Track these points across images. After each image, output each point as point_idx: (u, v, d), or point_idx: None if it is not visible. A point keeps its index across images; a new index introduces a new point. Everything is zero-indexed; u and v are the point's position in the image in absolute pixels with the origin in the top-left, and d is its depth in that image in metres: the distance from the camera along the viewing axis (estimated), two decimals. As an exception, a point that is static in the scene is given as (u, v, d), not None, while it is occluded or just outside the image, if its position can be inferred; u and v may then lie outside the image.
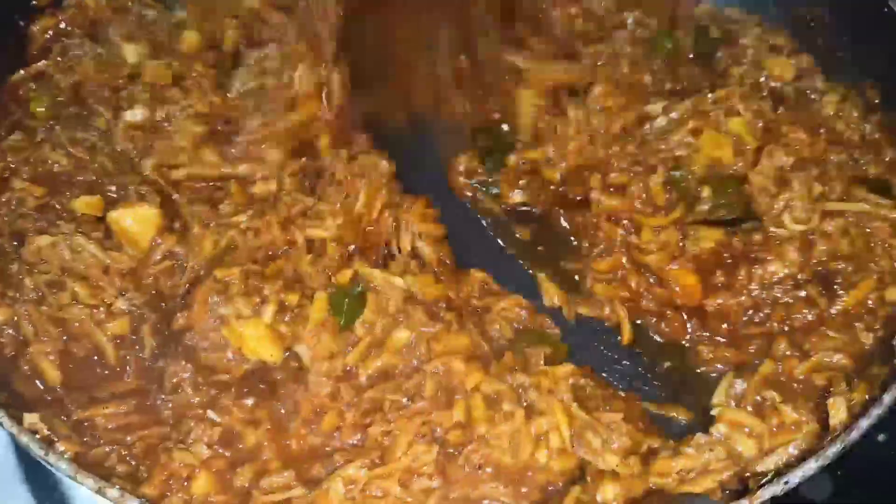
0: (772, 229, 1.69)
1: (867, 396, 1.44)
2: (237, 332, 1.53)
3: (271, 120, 1.82)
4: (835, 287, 1.63)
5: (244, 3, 1.95)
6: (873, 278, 1.63)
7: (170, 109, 1.79)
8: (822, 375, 1.53)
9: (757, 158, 1.75)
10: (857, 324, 1.61)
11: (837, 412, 1.41)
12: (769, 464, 1.43)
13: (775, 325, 1.64)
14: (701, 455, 1.45)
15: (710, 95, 1.82)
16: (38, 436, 1.36)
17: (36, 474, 1.76)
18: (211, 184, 1.75)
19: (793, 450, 1.43)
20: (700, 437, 1.48)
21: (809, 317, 1.62)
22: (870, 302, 1.62)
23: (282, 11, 1.95)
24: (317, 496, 1.40)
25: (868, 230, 1.68)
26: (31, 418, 1.38)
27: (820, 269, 1.66)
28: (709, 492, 1.42)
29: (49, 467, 1.34)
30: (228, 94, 1.85)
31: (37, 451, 1.33)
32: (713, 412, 1.52)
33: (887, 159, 1.80)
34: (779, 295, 1.66)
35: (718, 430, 1.48)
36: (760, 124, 1.79)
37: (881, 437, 1.70)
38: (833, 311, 1.62)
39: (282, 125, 1.82)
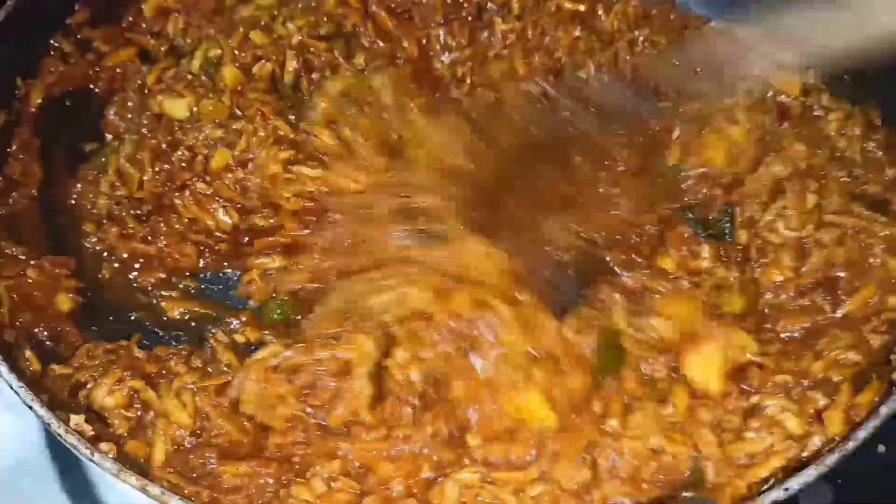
0: (765, 235, 1.76)
1: (877, 399, 1.49)
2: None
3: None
4: (838, 293, 1.69)
5: (292, 38, 2.00)
6: (873, 285, 1.68)
7: (248, 140, 1.84)
8: (839, 372, 1.58)
9: (755, 167, 1.83)
10: (863, 326, 1.66)
11: (832, 424, 1.48)
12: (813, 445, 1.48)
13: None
14: (763, 438, 1.50)
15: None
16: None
17: (71, 476, 1.84)
18: None
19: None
20: (753, 421, 1.52)
21: (819, 320, 1.68)
22: (872, 302, 1.67)
23: (324, 41, 2.01)
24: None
25: (864, 245, 1.73)
26: (76, 419, 1.46)
27: (820, 276, 1.72)
28: (774, 472, 1.46)
29: (95, 466, 1.41)
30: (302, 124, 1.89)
31: (83, 451, 1.40)
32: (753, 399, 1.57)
33: (888, 178, 1.85)
34: (783, 300, 1.71)
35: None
36: (759, 135, 1.87)
37: (881, 449, 1.75)
38: (838, 314, 1.68)
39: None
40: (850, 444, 1.41)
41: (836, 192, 1.79)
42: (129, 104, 1.96)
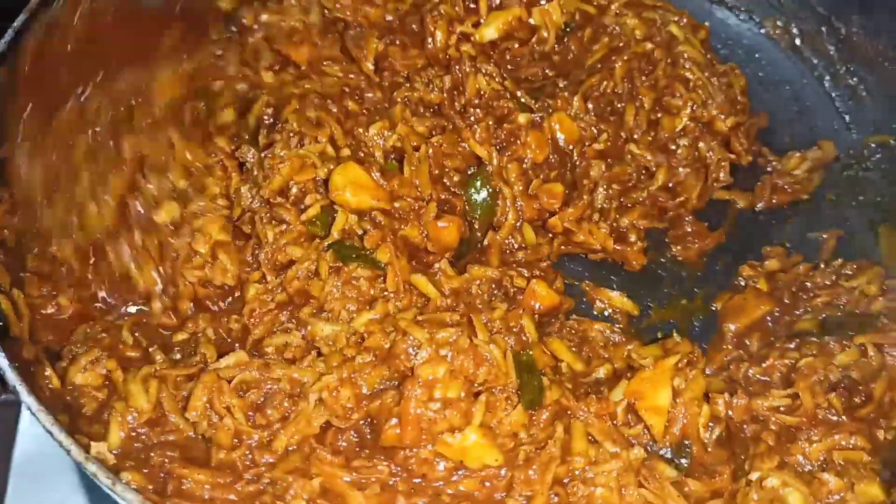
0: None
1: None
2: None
3: None
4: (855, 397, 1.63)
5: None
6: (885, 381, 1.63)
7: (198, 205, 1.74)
8: (841, 455, 1.53)
9: None
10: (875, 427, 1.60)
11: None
12: None
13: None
14: None
15: None
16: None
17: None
18: None
19: None
20: (753, 492, 1.49)
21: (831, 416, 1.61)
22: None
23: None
24: None
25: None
26: (98, 447, 1.43)
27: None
28: None
29: (115, 496, 1.38)
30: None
31: (104, 480, 1.35)
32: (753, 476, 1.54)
33: None
34: None
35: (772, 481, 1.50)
36: None
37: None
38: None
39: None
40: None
41: None
42: None
